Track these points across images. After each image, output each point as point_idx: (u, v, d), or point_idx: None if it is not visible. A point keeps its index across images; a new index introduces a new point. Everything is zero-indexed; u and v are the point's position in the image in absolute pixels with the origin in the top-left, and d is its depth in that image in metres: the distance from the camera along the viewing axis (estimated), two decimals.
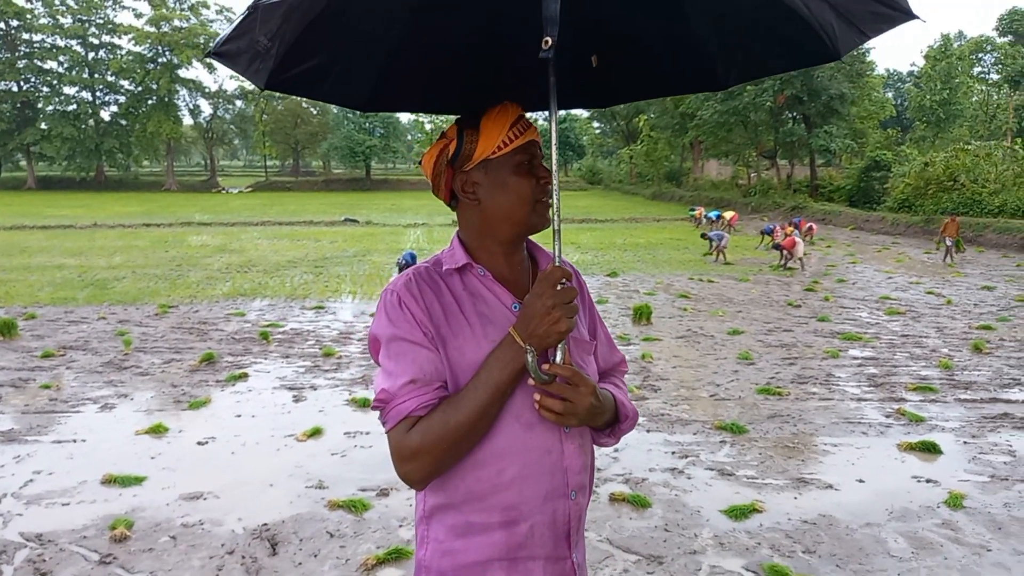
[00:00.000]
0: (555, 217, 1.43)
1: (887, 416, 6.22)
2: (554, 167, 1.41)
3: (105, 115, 58.45)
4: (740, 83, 1.61)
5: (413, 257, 12.96)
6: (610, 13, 1.54)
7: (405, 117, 72.20)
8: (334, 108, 64.75)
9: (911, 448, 5.48)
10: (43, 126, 55.11)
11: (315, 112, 65.72)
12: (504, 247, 1.48)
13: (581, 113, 76.99)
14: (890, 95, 52.45)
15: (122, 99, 58.70)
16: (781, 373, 7.56)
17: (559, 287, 1.31)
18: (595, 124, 76.08)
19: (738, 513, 4.37)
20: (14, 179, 57.91)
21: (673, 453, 5.37)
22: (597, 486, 4.73)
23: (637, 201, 45.10)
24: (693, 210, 28.56)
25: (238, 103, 65.86)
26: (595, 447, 1.58)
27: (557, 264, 1.37)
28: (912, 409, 6.34)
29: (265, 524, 4.22)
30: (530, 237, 1.55)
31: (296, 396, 6.68)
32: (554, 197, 1.43)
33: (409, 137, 75.36)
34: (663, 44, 1.57)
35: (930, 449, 5.44)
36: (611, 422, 1.51)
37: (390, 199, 46.01)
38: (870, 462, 5.26)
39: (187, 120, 63.78)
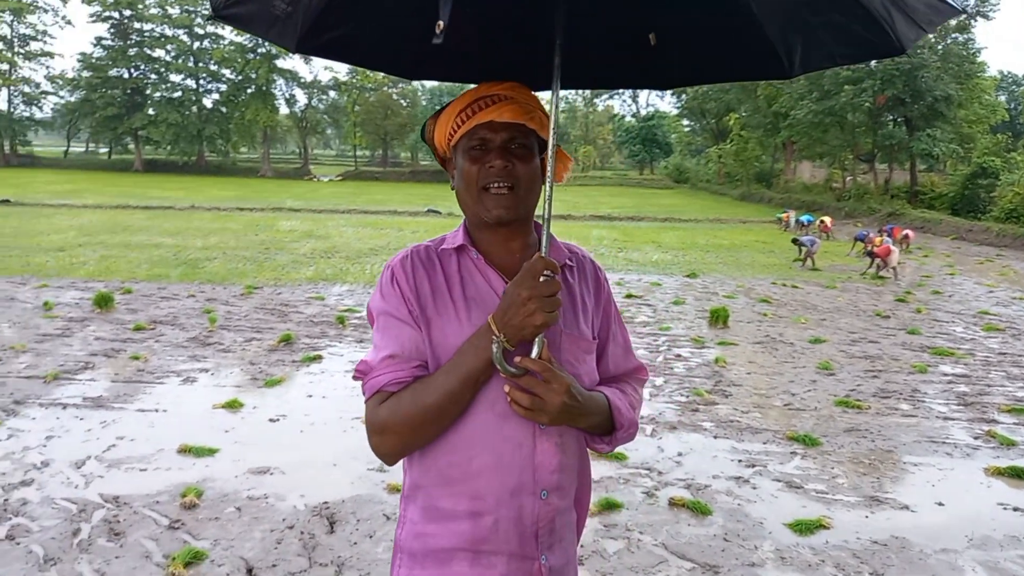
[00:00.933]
0: (547, 205, 1.37)
1: (975, 438, 5.86)
2: (551, 152, 1.35)
3: (207, 102, 61.32)
4: (806, 72, 1.53)
5: None
6: None
7: None
8: (423, 100, 65.72)
9: (999, 473, 5.15)
10: (150, 112, 58.16)
11: (405, 104, 66.82)
12: (490, 234, 1.44)
13: (670, 111, 75.66)
14: (1003, 99, 49.31)
15: (223, 87, 61.45)
16: (863, 386, 7.23)
17: (541, 279, 1.26)
18: (684, 122, 74.47)
19: (803, 528, 4.20)
20: (123, 161, 61.21)
21: (740, 461, 5.21)
22: (656, 489, 4.63)
23: (724, 202, 43.98)
24: (781, 213, 27.65)
25: (331, 94, 67.71)
26: (595, 452, 1.52)
27: (543, 254, 1.33)
28: (1004, 432, 5.95)
29: (325, 502, 4.32)
30: (542, 225, 1.48)
31: None
32: (547, 186, 1.37)
33: None
34: (722, 27, 1.49)
35: (1020, 475, 5.09)
36: (606, 427, 1.44)
37: None
38: (952, 485, 4.97)
39: (283, 109, 66.04)
